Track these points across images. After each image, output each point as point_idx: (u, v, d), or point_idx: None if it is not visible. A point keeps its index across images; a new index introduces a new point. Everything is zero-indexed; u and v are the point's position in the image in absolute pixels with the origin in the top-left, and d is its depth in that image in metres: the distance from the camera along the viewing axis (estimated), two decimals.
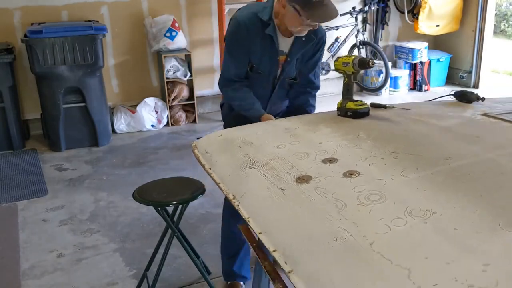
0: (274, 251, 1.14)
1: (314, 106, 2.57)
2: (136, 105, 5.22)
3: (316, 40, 2.34)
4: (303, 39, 2.27)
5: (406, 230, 1.11)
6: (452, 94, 2.34)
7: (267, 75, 2.34)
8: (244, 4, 2.46)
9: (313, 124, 1.92)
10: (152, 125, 5.25)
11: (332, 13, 2.11)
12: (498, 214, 1.13)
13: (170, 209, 2.45)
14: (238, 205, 1.39)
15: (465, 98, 2.21)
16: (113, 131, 5.10)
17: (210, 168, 1.67)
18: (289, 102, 2.56)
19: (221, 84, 2.40)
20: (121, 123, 5.16)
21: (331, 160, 1.51)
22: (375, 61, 1.89)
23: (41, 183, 4.00)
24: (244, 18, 2.24)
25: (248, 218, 1.31)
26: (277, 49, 2.27)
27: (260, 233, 1.23)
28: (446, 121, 1.86)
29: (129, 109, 5.23)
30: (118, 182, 3.99)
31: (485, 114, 1.91)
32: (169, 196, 2.36)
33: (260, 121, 2.25)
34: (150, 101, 5.24)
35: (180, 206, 2.38)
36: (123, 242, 3.12)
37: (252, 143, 1.75)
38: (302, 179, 1.41)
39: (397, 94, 6.27)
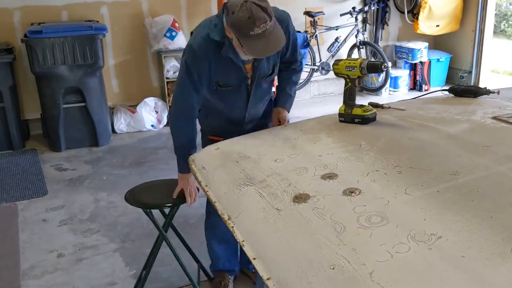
0: (268, 279, 1.08)
1: (295, 83, 2.42)
2: (136, 105, 5.22)
3: None
4: None
5: (409, 257, 1.04)
6: (446, 90, 2.32)
7: (237, 86, 2.20)
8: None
9: (313, 132, 1.84)
10: (152, 125, 5.25)
11: (275, 45, 1.93)
12: (509, 238, 1.06)
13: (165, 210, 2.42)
14: (233, 227, 1.33)
15: (469, 92, 2.18)
16: (113, 131, 5.10)
17: (206, 185, 1.62)
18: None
19: (175, 115, 2.24)
20: (121, 123, 5.16)
21: (330, 176, 1.44)
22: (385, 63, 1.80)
23: (41, 183, 4.00)
24: (201, 43, 2.06)
25: (243, 241, 1.25)
26: (239, 63, 2.11)
27: (254, 259, 1.17)
28: (454, 127, 1.75)
29: (129, 109, 5.22)
30: (118, 182, 3.98)
31: (495, 118, 1.80)
32: (161, 199, 2.32)
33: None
34: (150, 101, 5.24)
35: (169, 209, 2.34)
36: (123, 242, 3.12)
37: (249, 157, 1.68)
38: (300, 198, 1.34)
39: (397, 94, 6.27)
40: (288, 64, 2.35)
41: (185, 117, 2.20)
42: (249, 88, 2.23)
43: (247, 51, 1.94)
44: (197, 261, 2.65)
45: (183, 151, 2.19)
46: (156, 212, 2.40)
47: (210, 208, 2.50)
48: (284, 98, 2.39)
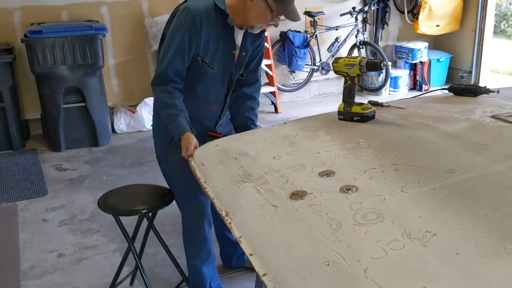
0: (264, 275, 1.09)
1: (257, 116, 2.35)
2: (136, 105, 5.22)
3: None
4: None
5: (404, 254, 1.04)
6: (446, 89, 2.32)
7: (222, 71, 2.14)
8: None
9: (312, 129, 1.85)
10: (152, 125, 5.22)
11: (298, 14, 2.02)
12: (504, 236, 1.06)
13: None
14: (230, 223, 1.33)
15: (469, 91, 2.18)
16: (113, 131, 5.10)
17: (205, 182, 1.62)
18: (233, 106, 2.34)
19: (155, 82, 2.08)
20: (121, 123, 5.16)
21: (328, 173, 1.44)
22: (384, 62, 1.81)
23: (41, 183, 4.00)
24: (198, 8, 2.00)
25: (240, 237, 1.26)
26: (235, 42, 2.10)
27: (251, 255, 1.18)
28: (453, 125, 1.75)
29: (129, 109, 5.23)
30: (118, 182, 3.97)
31: (494, 117, 1.80)
32: (133, 205, 2.30)
33: (179, 140, 2.02)
34: (150, 101, 5.22)
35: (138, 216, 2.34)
36: (123, 242, 3.11)
37: (248, 154, 1.69)
38: (297, 195, 1.35)
39: (397, 94, 6.27)
40: (252, 84, 2.33)
41: (163, 87, 2.06)
42: (232, 78, 2.20)
43: (281, 10, 1.97)
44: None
45: (170, 118, 2.07)
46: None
47: (192, 228, 2.41)
48: (246, 124, 2.29)
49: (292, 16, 2.01)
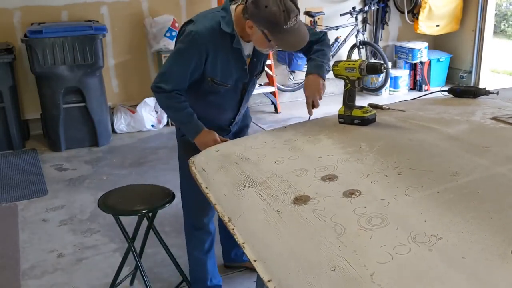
0: (269, 281, 1.09)
1: (320, 50, 2.20)
2: (136, 105, 5.22)
3: None
4: None
5: (410, 258, 1.04)
6: (445, 90, 2.33)
7: (235, 85, 2.14)
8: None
9: (313, 133, 1.84)
10: (152, 125, 5.25)
11: (304, 39, 1.93)
12: (509, 239, 1.06)
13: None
14: (233, 229, 1.33)
15: (469, 93, 2.18)
16: (113, 131, 5.10)
17: (206, 188, 1.62)
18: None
19: (157, 90, 2.08)
20: (121, 123, 5.16)
21: (331, 178, 1.44)
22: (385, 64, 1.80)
23: (41, 183, 4.00)
24: (203, 32, 1.96)
25: (243, 243, 1.25)
26: (245, 58, 2.07)
27: (255, 261, 1.17)
28: (453, 128, 1.75)
29: (129, 109, 5.23)
30: (118, 182, 3.98)
31: (494, 118, 1.81)
32: (133, 205, 2.30)
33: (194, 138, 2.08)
34: (150, 101, 5.23)
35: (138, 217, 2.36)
36: (123, 242, 3.11)
37: (249, 159, 1.68)
38: (300, 200, 1.34)
39: (397, 94, 6.27)
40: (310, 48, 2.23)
41: (164, 94, 2.07)
42: (246, 86, 2.19)
43: (279, 45, 1.92)
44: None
45: (182, 119, 2.12)
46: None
47: (194, 221, 2.42)
48: (309, 64, 2.21)
49: (291, 47, 1.96)
